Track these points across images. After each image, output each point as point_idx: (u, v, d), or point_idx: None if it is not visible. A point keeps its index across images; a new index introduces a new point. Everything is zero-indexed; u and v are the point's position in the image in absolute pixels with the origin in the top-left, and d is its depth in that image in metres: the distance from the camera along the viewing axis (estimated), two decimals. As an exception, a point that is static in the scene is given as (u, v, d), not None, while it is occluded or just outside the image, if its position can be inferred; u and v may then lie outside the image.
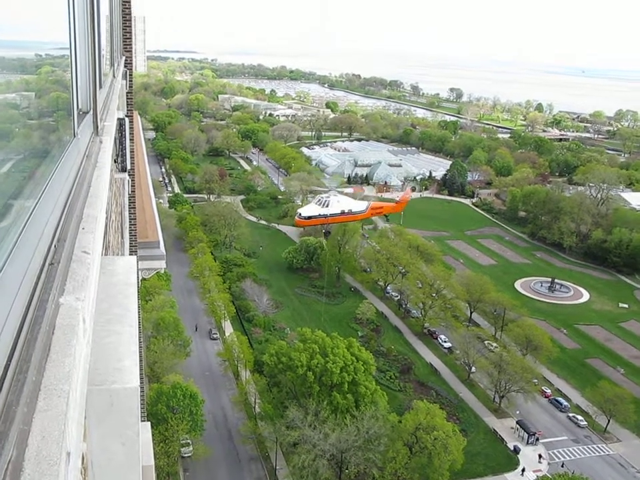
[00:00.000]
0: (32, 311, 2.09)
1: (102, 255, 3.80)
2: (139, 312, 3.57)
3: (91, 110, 5.13)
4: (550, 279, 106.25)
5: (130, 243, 12.67)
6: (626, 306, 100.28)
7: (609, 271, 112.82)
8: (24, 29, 2.88)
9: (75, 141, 4.06)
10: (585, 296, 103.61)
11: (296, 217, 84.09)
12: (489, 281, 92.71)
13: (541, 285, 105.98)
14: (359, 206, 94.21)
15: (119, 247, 8.57)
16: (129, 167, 9.15)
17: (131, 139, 10.88)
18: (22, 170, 2.95)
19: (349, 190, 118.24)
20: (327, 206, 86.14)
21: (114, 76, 10.02)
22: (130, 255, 11.93)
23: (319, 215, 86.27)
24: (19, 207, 2.53)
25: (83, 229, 3.02)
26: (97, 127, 5.44)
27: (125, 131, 8.45)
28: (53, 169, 3.22)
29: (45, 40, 3.76)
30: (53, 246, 2.63)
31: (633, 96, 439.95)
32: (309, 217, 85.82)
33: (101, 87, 5.85)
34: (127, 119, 8.70)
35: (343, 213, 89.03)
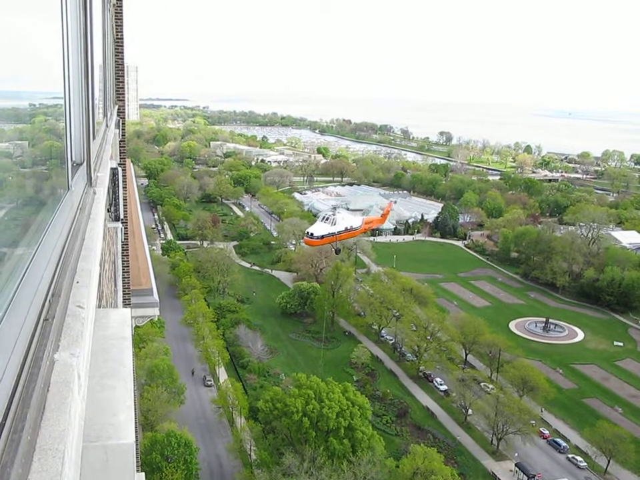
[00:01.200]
0: (27, 369, 2.06)
1: (96, 306, 3.78)
2: (133, 365, 3.56)
3: (85, 161, 5.11)
4: (544, 319, 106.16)
5: (123, 291, 12.65)
6: (621, 344, 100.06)
7: (602, 309, 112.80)
8: (18, 79, 2.92)
9: (68, 193, 4.06)
10: (580, 335, 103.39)
11: (305, 237, 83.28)
12: (483, 322, 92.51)
13: (536, 325, 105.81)
14: (357, 221, 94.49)
15: (112, 296, 8.58)
16: (122, 215, 9.20)
17: (124, 187, 10.96)
18: (16, 223, 2.95)
19: None
20: (335, 223, 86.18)
21: (107, 125, 10.10)
22: (123, 303, 11.94)
23: (329, 233, 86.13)
24: (14, 261, 2.54)
25: (77, 282, 3.00)
26: (91, 178, 5.42)
27: (117, 180, 8.50)
28: (47, 222, 3.23)
29: (38, 90, 3.79)
30: (47, 301, 2.61)
31: (618, 137, 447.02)
32: (322, 236, 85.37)
33: (94, 137, 5.79)
34: (119, 169, 8.76)
35: (346, 229, 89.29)
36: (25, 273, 2.48)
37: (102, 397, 2.97)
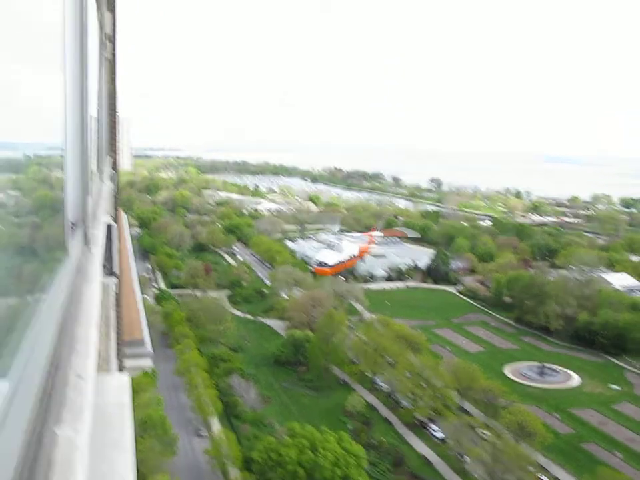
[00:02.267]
0: (30, 445, 2.00)
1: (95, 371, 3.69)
2: (135, 433, 3.53)
3: (81, 220, 5.10)
4: (539, 364, 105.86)
5: (116, 343, 12.70)
6: (618, 388, 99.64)
7: (597, 352, 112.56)
8: (16, 133, 2.96)
9: (66, 256, 4.04)
10: (576, 379, 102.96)
11: (316, 267, 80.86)
12: (477, 368, 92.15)
13: (531, 370, 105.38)
14: (355, 249, 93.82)
15: (105, 350, 8.64)
16: (117, 270, 9.29)
17: (117, 238, 11.07)
18: (12, 289, 2.90)
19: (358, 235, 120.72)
20: (342, 251, 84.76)
21: (101, 180, 10.25)
22: (117, 355, 11.97)
23: (339, 261, 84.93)
24: (12, 329, 2.52)
25: (78, 352, 2.97)
26: (87, 238, 5.38)
27: (112, 236, 8.61)
28: (46, 287, 3.21)
29: (36, 144, 3.86)
30: (48, 372, 2.58)
31: (606, 181, 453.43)
32: (334, 265, 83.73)
33: (90, 194, 5.89)
34: (114, 224, 8.90)
35: (350, 257, 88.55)
36: (23, 341, 2.48)
37: (103, 469, 2.90)
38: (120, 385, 4.11)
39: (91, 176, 6.43)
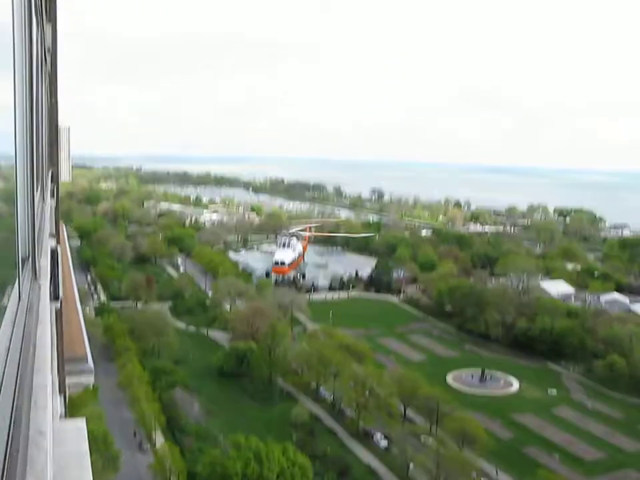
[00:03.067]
0: None
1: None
2: None
3: (31, 254, 4.91)
4: (480, 371, 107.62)
5: (58, 361, 12.47)
6: (555, 392, 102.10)
7: (536, 358, 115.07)
8: None
9: (16, 296, 3.86)
10: (515, 385, 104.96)
11: (274, 267, 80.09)
12: (420, 376, 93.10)
13: (472, 377, 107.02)
14: (301, 247, 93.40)
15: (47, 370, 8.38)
16: (61, 295, 9.09)
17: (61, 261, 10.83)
18: None
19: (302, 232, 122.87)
20: (294, 249, 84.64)
21: (43, 198, 10.02)
22: (58, 374, 11.77)
23: (293, 259, 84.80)
24: None
25: (35, 403, 2.85)
26: (36, 272, 5.19)
27: (57, 260, 8.37)
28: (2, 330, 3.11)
29: None
30: (8, 431, 2.45)
31: (541, 191, 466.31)
32: (290, 263, 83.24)
33: (37, 220, 5.65)
34: (58, 247, 8.71)
35: (299, 254, 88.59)
36: None
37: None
38: (77, 431, 4.02)
39: (39, 198, 6.21)
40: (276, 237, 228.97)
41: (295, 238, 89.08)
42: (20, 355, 3.21)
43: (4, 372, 2.79)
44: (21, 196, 4.49)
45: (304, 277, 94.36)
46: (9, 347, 3.11)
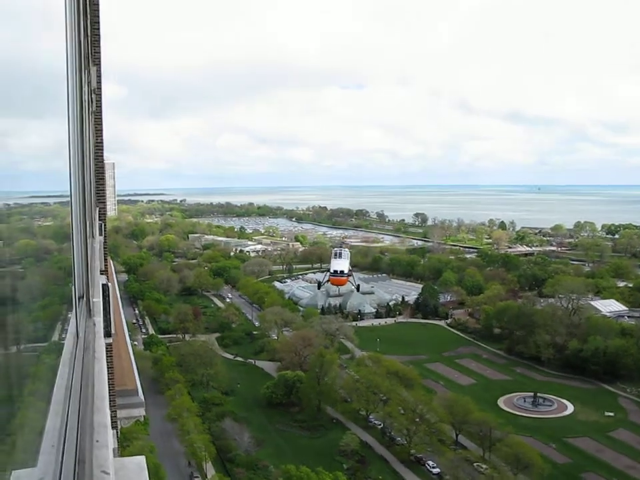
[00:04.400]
0: None
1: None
2: None
3: (86, 292, 5.03)
4: (532, 394, 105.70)
5: (109, 395, 12.58)
6: (612, 414, 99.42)
7: (589, 380, 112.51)
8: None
9: (73, 335, 3.97)
10: (569, 408, 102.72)
11: (332, 277, 77.74)
12: (471, 401, 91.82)
13: (524, 401, 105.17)
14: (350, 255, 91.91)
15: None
16: (113, 331, 9.21)
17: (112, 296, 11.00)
18: (22, 375, 2.88)
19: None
20: (348, 258, 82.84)
21: (92, 236, 10.26)
22: (110, 407, 11.93)
23: (349, 269, 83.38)
24: (33, 419, 2.51)
25: (97, 441, 2.80)
26: (91, 310, 5.27)
27: (108, 296, 8.47)
28: (60, 371, 3.18)
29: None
30: (74, 469, 2.48)
31: (587, 208, 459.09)
32: (348, 273, 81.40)
33: (92, 261, 5.75)
34: (109, 283, 8.88)
35: (350, 264, 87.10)
36: (46, 432, 2.45)
37: None
38: (138, 468, 3.91)
39: (89, 236, 6.37)
40: (320, 266, 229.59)
41: (346, 249, 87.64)
42: (80, 393, 3.27)
43: (68, 410, 2.85)
44: (76, 235, 4.68)
45: (358, 288, 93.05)
46: (71, 385, 3.18)
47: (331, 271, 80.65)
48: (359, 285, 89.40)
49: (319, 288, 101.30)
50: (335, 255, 78.95)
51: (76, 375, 3.44)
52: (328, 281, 79.76)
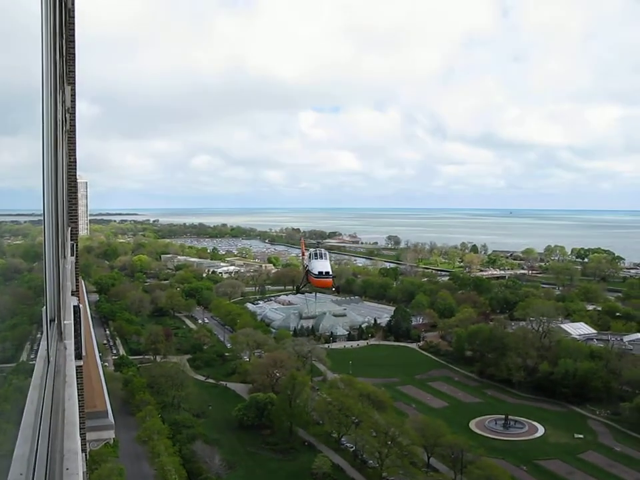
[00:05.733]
0: None
1: None
2: None
3: (57, 316, 4.93)
4: (503, 416, 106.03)
5: (80, 416, 12.42)
6: (582, 436, 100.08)
7: (559, 402, 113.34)
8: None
9: (45, 359, 3.89)
10: (540, 430, 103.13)
11: (317, 278, 72.97)
12: (443, 423, 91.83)
13: (496, 423, 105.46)
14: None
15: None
16: (84, 352, 9.08)
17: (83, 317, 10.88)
18: None
19: None
20: (328, 258, 78.03)
21: (64, 256, 10.18)
22: (80, 432, 11.74)
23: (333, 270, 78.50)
24: (2, 448, 2.45)
25: (67, 469, 2.76)
26: (62, 334, 5.21)
27: (79, 317, 8.37)
28: (29, 396, 3.12)
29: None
30: None
31: (557, 233, 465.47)
32: (333, 274, 76.69)
33: (63, 283, 5.62)
34: (80, 305, 8.76)
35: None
36: (14, 463, 2.40)
37: None
38: None
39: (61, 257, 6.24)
40: (293, 288, 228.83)
41: (323, 249, 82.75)
42: (51, 419, 3.20)
43: (38, 436, 2.80)
44: (48, 256, 4.62)
45: (338, 290, 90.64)
46: (41, 411, 3.13)
47: (315, 272, 75.86)
48: (338, 287, 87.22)
49: (296, 292, 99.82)
50: (316, 255, 74.72)
51: (47, 400, 3.39)
52: (305, 285, 76.39)
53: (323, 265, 71.60)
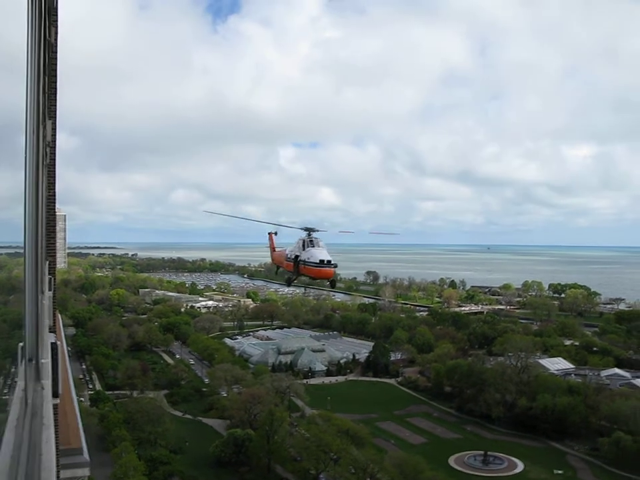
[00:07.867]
0: None
1: None
2: None
3: (35, 355, 4.94)
4: (483, 452, 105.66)
5: (56, 454, 12.27)
6: (561, 472, 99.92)
7: (538, 437, 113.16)
8: None
9: (22, 400, 3.90)
10: (520, 466, 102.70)
11: (319, 268, 67.80)
12: (422, 460, 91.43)
13: (475, 459, 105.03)
14: None
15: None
16: (60, 391, 8.97)
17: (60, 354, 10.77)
18: None
19: None
20: (324, 245, 73.03)
21: (42, 292, 10.19)
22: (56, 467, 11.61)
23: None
24: None
25: None
26: (39, 373, 5.20)
27: (57, 355, 8.23)
28: (6, 441, 3.09)
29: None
30: None
31: (535, 268, 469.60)
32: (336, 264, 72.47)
33: (41, 320, 5.62)
34: (57, 342, 8.67)
35: None
36: None
37: None
38: None
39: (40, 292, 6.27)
40: (272, 323, 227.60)
41: (318, 237, 77.48)
42: (27, 464, 3.16)
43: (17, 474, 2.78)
44: (28, 293, 4.63)
45: (333, 284, 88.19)
46: (19, 456, 3.10)
47: (314, 261, 69.58)
48: (334, 280, 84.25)
49: (288, 285, 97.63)
50: (311, 243, 68.89)
51: (24, 446, 3.34)
52: (296, 278, 72.21)
53: (323, 253, 67.00)
